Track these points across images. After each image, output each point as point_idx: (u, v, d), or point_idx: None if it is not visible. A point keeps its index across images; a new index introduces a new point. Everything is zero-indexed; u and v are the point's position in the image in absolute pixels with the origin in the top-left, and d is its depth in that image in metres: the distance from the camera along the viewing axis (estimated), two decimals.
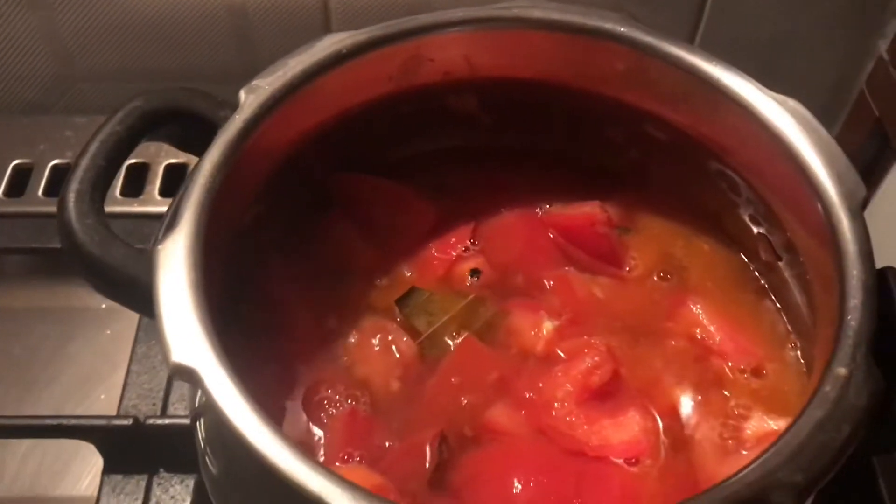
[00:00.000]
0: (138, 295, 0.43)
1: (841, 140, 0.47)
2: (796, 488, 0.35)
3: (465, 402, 0.50)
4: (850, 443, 0.36)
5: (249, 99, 0.47)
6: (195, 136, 0.49)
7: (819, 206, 0.44)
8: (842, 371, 0.38)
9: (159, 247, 0.42)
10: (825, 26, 0.82)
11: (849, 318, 0.40)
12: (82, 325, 0.72)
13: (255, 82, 0.48)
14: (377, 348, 0.52)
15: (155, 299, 0.41)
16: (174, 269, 0.41)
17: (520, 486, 0.46)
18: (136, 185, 0.77)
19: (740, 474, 0.36)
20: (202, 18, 0.81)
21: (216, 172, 0.45)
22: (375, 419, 0.50)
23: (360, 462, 0.48)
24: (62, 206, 0.45)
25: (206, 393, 0.38)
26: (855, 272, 0.41)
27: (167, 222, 0.45)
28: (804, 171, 0.45)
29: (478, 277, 0.55)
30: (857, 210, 0.43)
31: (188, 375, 0.39)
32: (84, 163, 0.46)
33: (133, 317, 0.68)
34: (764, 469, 0.36)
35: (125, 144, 0.47)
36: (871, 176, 0.83)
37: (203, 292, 0.41)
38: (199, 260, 0.42)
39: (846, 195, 0.44)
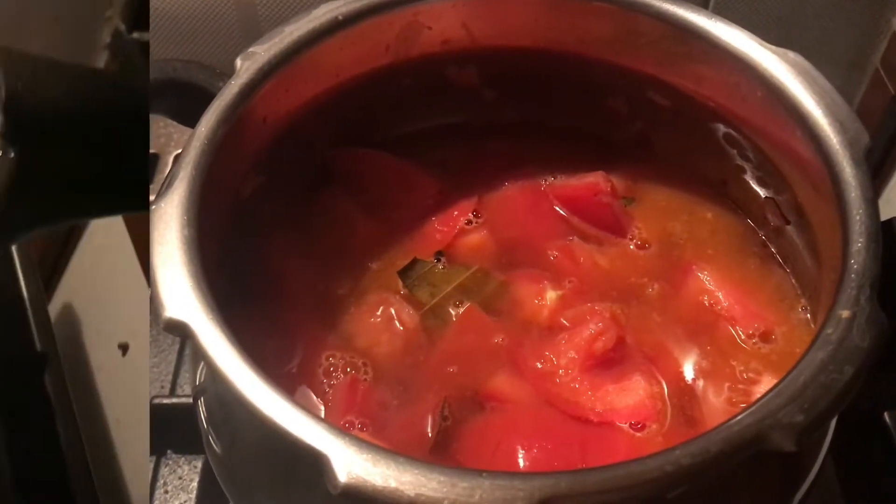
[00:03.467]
0: None
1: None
2: (796, 428, 0.34)
3: (468, 370, 0.49)
4: (854, 384, 0.35)
5: (246, 65, 0.48)
6: (194, 107, 0.49)
7: (820, 155, 0.43)
8: (845, 313, 0.37)
9: (153, 207, 0.42)
10: (837, 4, 0.81)
11: (852, 261, 0.39)
12: None
13: (251, 49, 0.48)
14: (379, 320, 0.52)
15: (150, 257, 0.41)
16: (168, 226, 0.41)
17: (524, 453, 0.45)
18: None
19: (740, 415, 0.35)
20: (211, 13, 0.81)
21: (211, 135, 0.45)
22: (377, 388, 0.49)
23: (361, 430, 0.47)
24: None
25: (197, 346, 0.38)
26: (858, 217, 0.40)
27: (164, 186, 0.45)
28: (805, 122, 0.45)
29: (441, 260, 0.55)
30: (860, 158, 0.42)
31: (180, 329, 0.39)
32: None
33: None
34: (764, 410, 0.35)
35: None
36: (889, 155, 0.81)
37: (197, 250, 0.41)
38: (194, 219, 0.42)
39: (848, 143, 0.43)
